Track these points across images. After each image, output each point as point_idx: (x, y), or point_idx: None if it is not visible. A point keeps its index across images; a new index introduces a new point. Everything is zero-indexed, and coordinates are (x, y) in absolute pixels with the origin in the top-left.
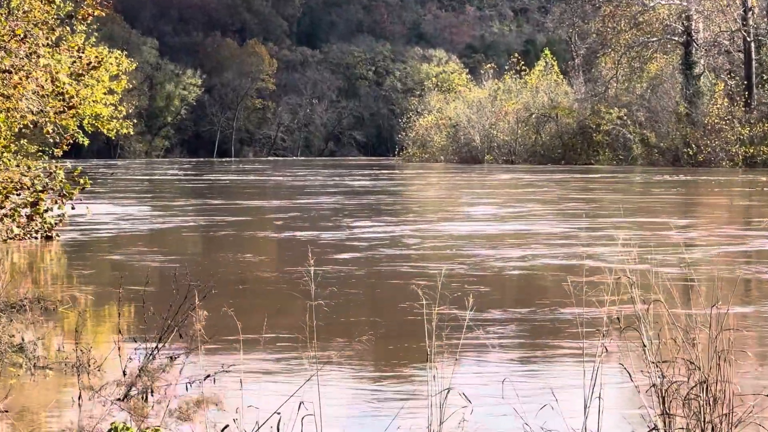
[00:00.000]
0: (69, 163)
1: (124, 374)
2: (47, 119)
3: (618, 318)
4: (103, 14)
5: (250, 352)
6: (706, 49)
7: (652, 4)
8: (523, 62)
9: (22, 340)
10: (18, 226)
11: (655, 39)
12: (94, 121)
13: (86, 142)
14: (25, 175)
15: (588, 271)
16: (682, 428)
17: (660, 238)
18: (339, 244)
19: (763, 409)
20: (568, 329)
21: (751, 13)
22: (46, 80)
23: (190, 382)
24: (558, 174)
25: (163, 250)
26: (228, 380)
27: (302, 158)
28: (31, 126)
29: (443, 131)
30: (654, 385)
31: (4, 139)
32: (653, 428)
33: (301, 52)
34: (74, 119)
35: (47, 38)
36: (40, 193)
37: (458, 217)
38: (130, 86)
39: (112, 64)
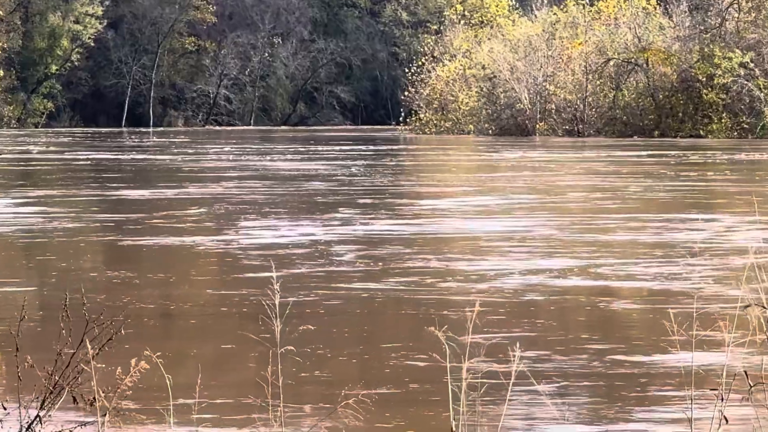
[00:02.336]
0: None
1: None
2: None
3: (744, 371)
4: None
5: (183, 424)
6: None
7: None
8: None
9: None
10: None
11: None
12: None
13: None
14: None
15: (702, 298)
16: None
17: None
18: (312, 253)
19: None
20: (665, 387)
21: None
22: None
23: None
24: (650, 151)
25: (44, 266)
26: None
27: (258, 128)
28: None
29: (473, 87)
30: None
31: None
32: None
33: None
34: None
35: None
36: None
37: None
38: None
39: None
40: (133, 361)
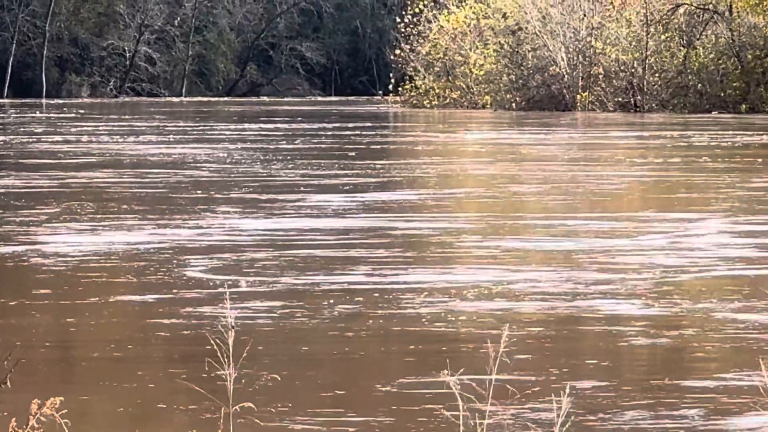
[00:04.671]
0: None
1: None
2: None
3: None
4: None
5: None
6: None
7: None
8: None
9: None
10: None
11: None
12: None
13: None
14: None
15: None
16: None
17: None
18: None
19: None
20: None
21: None
22: None
23: None
24: (737, 132)
25: None
26: None
27: (192, 99)
28: None
29: (491, 44)
30: None
31: None
32: None
33: None
34: None
35: None
36: None
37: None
38: None
39: None
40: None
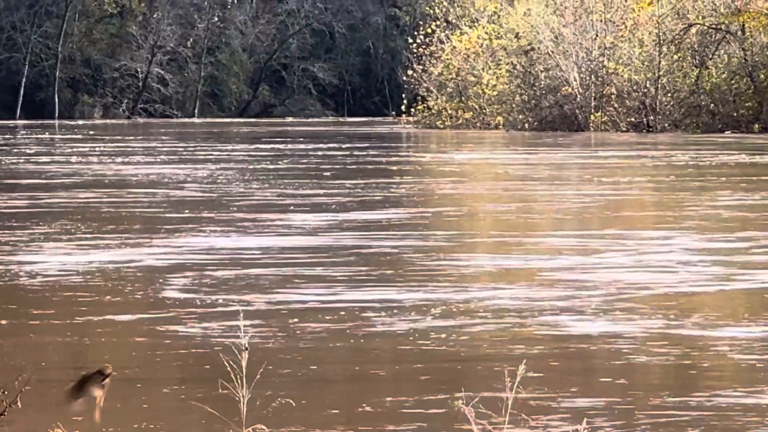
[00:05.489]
0: None
1: None
2: None
3: None
4: None
5: None
6: None
7: None
8: None
9: None
10: None
11: None
12: None
13: None
14: None
15: None
16: None
17: None
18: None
19: None
20: None
21: None
22: None
23: None
24: (751, 153)
25: None
26: None
27: (204, 120)
28: None
29: (503, 64)
30: None
31: None
32: None
33: None
34: None
35: None
36: None
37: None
38: None
39: None
40: None
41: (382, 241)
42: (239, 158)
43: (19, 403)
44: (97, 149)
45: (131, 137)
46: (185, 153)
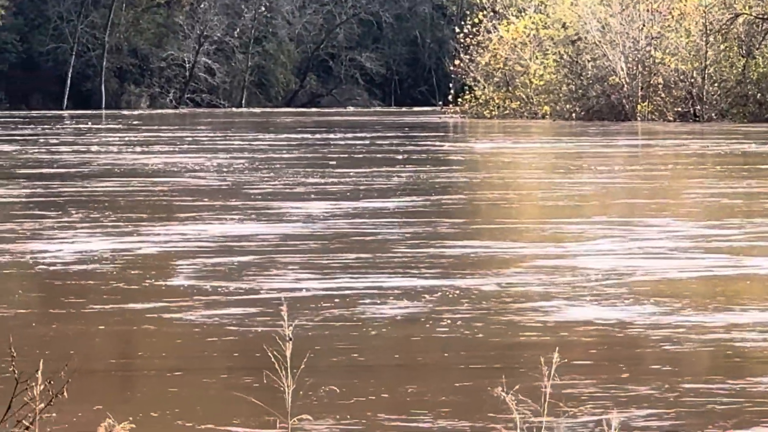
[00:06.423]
0: None
1: None
2: None
3: None
4: None
5: None
6: None
7: None
8: None
9: None
10: None
11: None
12: None
13: None
14: None
15: None
16: None
17: None
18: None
19: None
20: None
21: None
22: None
23: None
24: None
25: None
26: None
27: (251, 110)
28: None
29: (550, 54)
30: None
31: None
32: None
33: None
34: None
35: None
36: None
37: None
38: None
39: None
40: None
41: (428, 227)
42: (284, 147)
43: (65, 393)
44: (127, 138)
45: (171, 126)
46: (224, 143)
